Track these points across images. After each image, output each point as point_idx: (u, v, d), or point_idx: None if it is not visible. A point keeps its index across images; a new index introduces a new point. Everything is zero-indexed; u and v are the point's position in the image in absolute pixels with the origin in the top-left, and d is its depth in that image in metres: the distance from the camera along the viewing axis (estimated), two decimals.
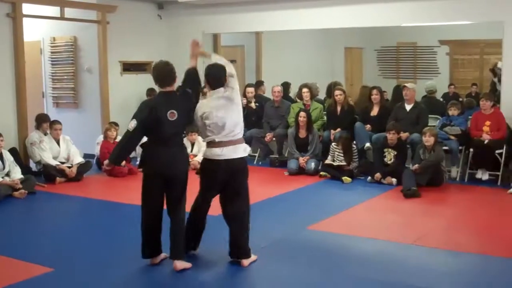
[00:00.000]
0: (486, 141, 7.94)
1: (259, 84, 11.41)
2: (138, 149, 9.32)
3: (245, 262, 4.79)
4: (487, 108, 8.23)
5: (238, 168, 4.79)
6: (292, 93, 11.25)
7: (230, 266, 4.88)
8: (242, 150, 4.82)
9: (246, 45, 12.68)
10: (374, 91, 9.21)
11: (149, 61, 11.04)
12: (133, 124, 4.86)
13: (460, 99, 11.08)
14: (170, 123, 4.74)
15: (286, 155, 9.52)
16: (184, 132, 9.76)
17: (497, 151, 8.01)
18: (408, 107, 8.75)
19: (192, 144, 9.53)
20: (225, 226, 4.96)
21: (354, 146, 8.62)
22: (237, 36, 12.11)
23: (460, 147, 8.27)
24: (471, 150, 8.17)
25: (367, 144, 8.73)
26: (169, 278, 4.64)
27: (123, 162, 8.76)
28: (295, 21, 10.08)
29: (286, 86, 11.04)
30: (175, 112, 4.78)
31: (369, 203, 7.10)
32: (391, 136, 8.13)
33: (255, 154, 10.04)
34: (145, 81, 10.84)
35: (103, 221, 6.47)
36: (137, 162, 9.29)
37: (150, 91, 10.61)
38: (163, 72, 5.17)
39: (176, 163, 4.74)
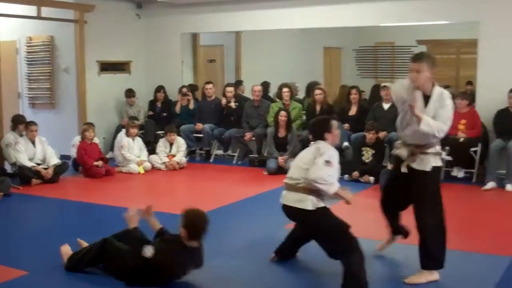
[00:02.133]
0: (461, 139, 8.04)
1: (238, 83, 11.43)
2: (117, 151, 9.35)
3: None
4: (463, 106, 8.32)
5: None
6: (272, 92, 11.28)
7: (209, 266, 4.88)
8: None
9: (225, 44, 12.68)
10: (353, 91, 9.28)
11: (127, 61, 11.03)
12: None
13: None
14: None
15: (265, 154, 9.54)
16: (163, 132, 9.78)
17: (472, 149, 8.12)
18: (386, 106, 8.83)
19: (171, 144, 9.51)
20: None
21: None
22: (217, 35, 12.11)
23: None
24: (447, 148, 8.25)
25: (345, 143, 8.79)
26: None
27: (100, 163, 8.76)
28: (275, 21, 10.10)
29: (265, 85, 11.07)
30: None
31: None
32: (370, 136, 8.20)
33: (234, 154, 10.05)
34: (123, 81, 10.85)
35: (79, 223, 6.42)
36: (115, 163, 9.31)
37: (128, 92, 10.58)
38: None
39: None
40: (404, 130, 4.44)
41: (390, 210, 4.84)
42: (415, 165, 4.37)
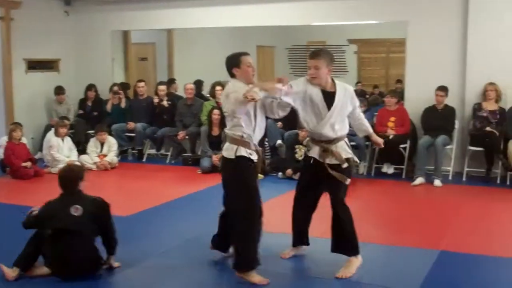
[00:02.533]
0: (391, 136, 8.23)
1: (171, 82, 11.34)
2: (45, 151, 9.09)
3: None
4: (392, 104, 8.53)
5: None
6: (205, 91, 11.24)
7: (142, 267, 4.82)
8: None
9: (157, 42, 12.57)
10: None
11: (56, 59, 10.76)
12: None
13: (367, 96, 11.43)
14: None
15: (199, 153, 9.49)
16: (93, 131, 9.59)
17: (401, 146, 8.34)
18: None
19: (102, 144, 9.33)
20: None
21: (266, 143, 8.71)
22: (148, 33, 11.97)
23: (366, 143, 8.50)
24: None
25: (279, 141, 8.86)
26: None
27: (29, 164, 8.51)
28: (208, 19, 10.06)
29: (198, 84, 11.02)
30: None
31: (281, 198, 7.18)
32: (303, 134, 8.27)
33: (168, 153, 9.97)
34: (52, 80, 10.57)
35: (7, 225, 6.20)
36: (44, 164, 9.06)
37: (58, 90, 10.33)
38: None
39: None
40: (311, 127, 4.51)
41: (305, 209, 4.82)
42: (328, 160, 4.46)
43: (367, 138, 8.40)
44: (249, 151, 4.35)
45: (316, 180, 4.55)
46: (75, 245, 4.45)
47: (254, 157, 4.39)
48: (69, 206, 4.51)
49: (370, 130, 4.84)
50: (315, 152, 4.52)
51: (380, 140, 4.88)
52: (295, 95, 4.39)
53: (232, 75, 4.49)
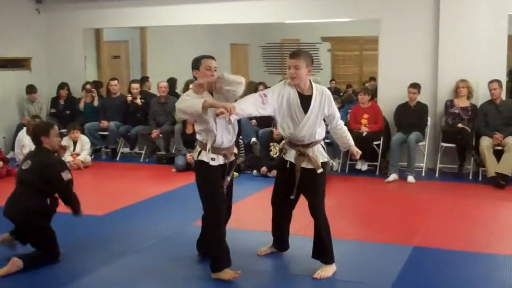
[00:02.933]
0: (364, 133, 8.29)
1: (144, 80, 11.27)
2: (17, 150, 8.97)
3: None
4: (365, 101, 8.59)
5: None
6: (179, 89, 11.18)
7: (116, 265, 4.80)
8: None
9: (130, 40, 12.46)
10: (261, 87, 9.37)
11: (27, 57, 10.63)
12: None
13: (341, 94, 11.49)
14: None
15: (173, 151, 9.46)
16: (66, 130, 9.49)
17: (375, 143, 8.40)
18: None
19: (75, 143, 9.24)
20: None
21: (240, 141, 8.71)
22: (121, 31, 11.87)
23: None
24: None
25: (253, 139, 8.86)
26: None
27: (0, 163, 8.41)
28: (181, 17, 10.02)
29: (172, 82, 10.97)
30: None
31: (256, 196, 7.21)
32: (277, 131, 8.28)
33: (141, 152, 9.91)
34: (24, 79, 10.45)
35: None
36: (16, 163, 8.93)
37: (29, 89, 10.21)
38: None
39: None
40: (287, 131, 4.47)
41: (284, 214, 4.80)
42: (304, 164, 4.44)
43: None
44: (212, 155, 4.34)
45: (293, 184, 4.50)
46: (17, 194, 4.76)
47: (216, 162, 4.37)
48: (26, 160, 4.83)
49: (351, 142, 4.79)
50: (291, 155, 4.50)
51: (357, 152, 4.79)
52: (272, 104, 4.35)
53: (195, 78, 4.46)
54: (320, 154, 4.46)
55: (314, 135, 4.41)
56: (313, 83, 4.45)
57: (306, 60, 4.33)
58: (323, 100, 4.41)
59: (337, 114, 4.61)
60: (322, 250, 4.52)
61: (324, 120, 4.58)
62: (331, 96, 4.50)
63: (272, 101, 4.33)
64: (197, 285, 4.45)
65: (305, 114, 4.36)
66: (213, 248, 4.45)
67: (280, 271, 4.75)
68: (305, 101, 4.37)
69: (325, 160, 4.50)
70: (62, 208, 4.96)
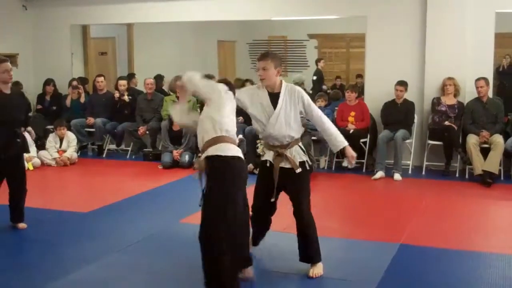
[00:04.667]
0: (351, 131, 8.29)
1: (131, 76, 11.23)
2: None
3: None
4: (352, 99, 8.60)
5: None
6: (166, 85, 11.15)
7: (102, 263, 4.77)
8: None
9: (117, 36, 12.40)
10: (247, 84, 9.32)
11: (14, 54, 10.53)
12: None
13: (328, 91, 11.50)
14: None
15: (160, 148, 9.42)
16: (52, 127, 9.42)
17: (361, 140, 8.41)
18: None
19: (61, 139, 9.18)
20: None
21: None
22: (108, 27, 11.82)
23: None
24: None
25: (240, 136, 8.83)
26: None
27: None
28: (168, 14, 9.98)
29: (159, 78, 10.92)
30: None
31: None
32: None
33: (128, 148, 9.87)
34: None
35: None
36: None
37: (15, 85, 10.10)
38: None
39: None
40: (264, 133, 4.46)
41: (264, 218, 4.71)
42: (283, 164, 4.41)
43: None
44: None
45: (272, 184, 4.46)
46: None
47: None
48: None
49: (342, 144, 4.53)
50: (269, 155, 4.48)
51: (352, 156, 4.55)
52: (243, 98, 4.40)
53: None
54: (297, 154, 4.43)
55: (288, 134, 4.38)
56: (283, 83, 4.45)
57: (274, 61, 4.36)
58: (294, 97, 4.38)
59: (316, 112, 4.47)
60: (312, 251, 4.49)
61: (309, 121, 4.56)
62: (304, 94, 4.44)
63: (243, 95, 4.39)
64: (184, 283, 4.44)
65: (274, 110, 4.36)
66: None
67: (264, 268, 4.73)
68: (274, 98, 4.38)
69: (303, 159, 4.45)
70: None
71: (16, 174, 5.69)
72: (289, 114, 4.38)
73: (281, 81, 4.45)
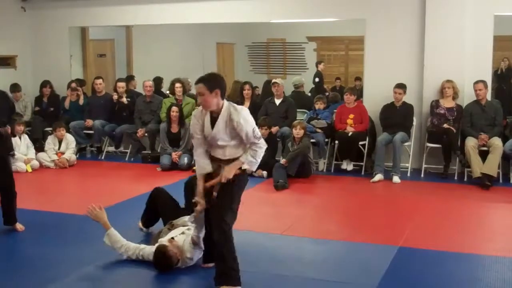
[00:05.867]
0: (350, 133, 8.30)
1: (130, 78, 11.21)
2: None
3: None
4: (351, 101, 8.60)
5: None
6: (164, 88, 11.15)
7: (102, 264, 4.77)
8: None
9: (116, 38, 12.39)
10: (246, 86, 9.34)
11: (12, 55, 10.56)
12: None
13: (327, 93, 11.50)
14: None
15: (158, 150, 9.41)
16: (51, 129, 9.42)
17: (360, 143, 8.41)
18: (277, 101, 8.97)
19: (60, 141, 9.18)
20: None
21: None
22: (107, 29, 11.81)
23: (326, 140, 8.59)
24: (337, 142, 8.50)
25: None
26: None
27: None
28: (167, 16, 9.99)
29: (158, 81, 10.94)
30: None
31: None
32: (263, 131, 8.27)
33: (127, 151, 9.86)
34: (9, 77, 10.36)
35: None
36: None
37: (13, 87, 10.11)
38: None
39: None
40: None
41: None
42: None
43: (327, 135, 8.57)
44: None
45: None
46: None
47: None
48: None
49: (245, 165, 4.27)
50: (212, 166, 4.34)
51: (225, 177, 4.24)
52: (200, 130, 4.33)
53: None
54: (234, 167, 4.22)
55: (228, 152, 4.24)
56: (225, 104, 4.22)
57: (207, 84, 4.11)
58: (230, 118, 4.16)
59: (245, 132, 4.15)
60: (225, 271, 4.24)
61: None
62: (239, 114, 4.15)
63: (197, 128, 4.31)
64: (184, 283, 4.43)
65: (212, 130, 4.21)
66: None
67: (265, 272, 4.73)
68: (214, 120, 4.21)
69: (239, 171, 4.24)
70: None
71: (2, 176, 5.55)
72: (225, 132, 4.19)
73: (229, 103, 4.23)
